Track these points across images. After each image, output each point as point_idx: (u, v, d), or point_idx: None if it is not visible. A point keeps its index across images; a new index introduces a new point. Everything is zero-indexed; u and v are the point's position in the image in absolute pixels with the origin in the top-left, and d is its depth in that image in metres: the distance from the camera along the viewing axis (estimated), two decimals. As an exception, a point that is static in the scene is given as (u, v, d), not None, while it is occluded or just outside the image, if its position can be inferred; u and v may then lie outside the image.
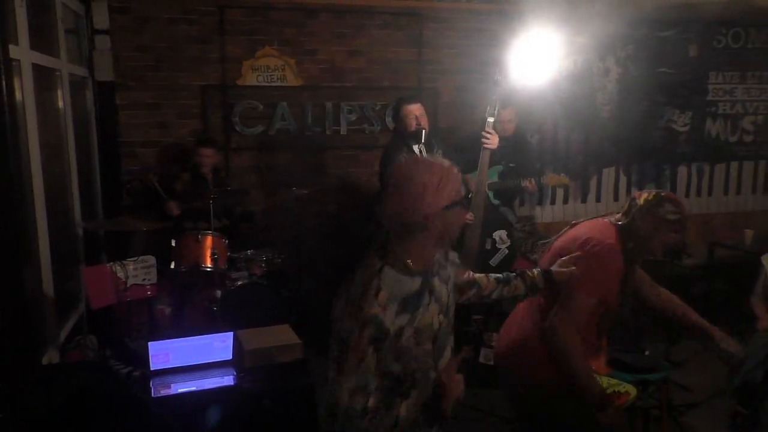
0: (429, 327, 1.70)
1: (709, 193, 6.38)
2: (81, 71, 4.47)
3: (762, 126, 6.40)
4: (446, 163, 1.71)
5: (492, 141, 3.83)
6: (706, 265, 5.51)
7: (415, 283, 1.68)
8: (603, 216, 2.49)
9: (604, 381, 3.32)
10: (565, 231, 2.53)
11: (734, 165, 6.41)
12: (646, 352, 3.24)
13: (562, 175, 4.38)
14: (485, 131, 3.83)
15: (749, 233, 5.35)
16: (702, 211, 6.33)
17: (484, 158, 3.84)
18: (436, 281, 1.77)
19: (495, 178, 4.17)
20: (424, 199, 1.62)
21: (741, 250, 5.35)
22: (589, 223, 2.45)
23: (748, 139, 6.39)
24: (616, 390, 3.13)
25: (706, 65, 6.10)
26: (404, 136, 3.99)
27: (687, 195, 6.29)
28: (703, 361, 4.21)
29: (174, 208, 4.41)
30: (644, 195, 2.38)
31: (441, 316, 1.77)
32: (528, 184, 4.08)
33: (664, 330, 3.99)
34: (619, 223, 2.37)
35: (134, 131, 4.86)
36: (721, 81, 6.19)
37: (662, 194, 2.37)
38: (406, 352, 1.65)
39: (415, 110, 3.96)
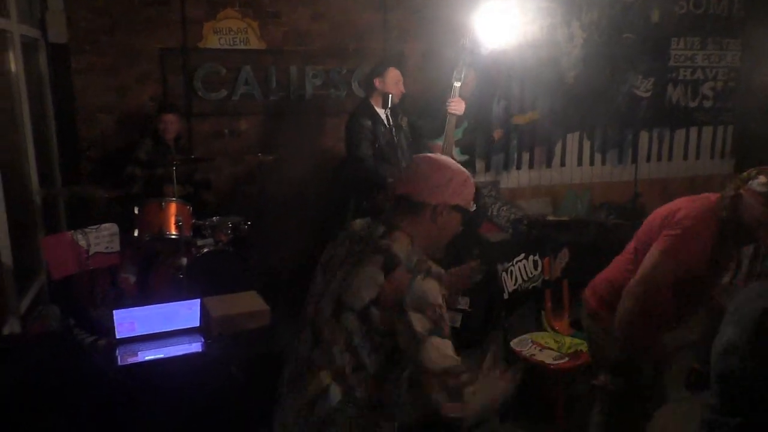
0: None
1: (669, 158, 6.52)
2: (33, 32, 4.28)
3: (721, 92, 6.53)
4: (469, 173, 1.74)
5: (458, 107, 3.83)
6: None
7: None
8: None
9: (567, 341, 3.42)
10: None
11: (694, 130, 6.55)
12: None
13: (530, 112, 4.42)
14: (450, 99, 3.82)
15: (707, 197, 5.50)
16: (662, 176, 6.48)
17: (450, 124, 3.84)
18: None
19: (460, 135, 4.23)
20: (446, 189, 1.64)
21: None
22: (691, 197, 2.34)
23: (708, 104, 6.52)
24: (579, 349, 3.23)
25: (668, 31, 6.17)
26: (382, 97, 3.91)
27: (648, 160, 6.41)
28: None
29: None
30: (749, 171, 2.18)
31: None
32: (496, 134, 4.24)
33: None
34: (723, 196, 2.20)
35: (91, 96, 4.70)
36: (682, 47, 6.27)
37: (761, 168, 2.15)
38: None
39: (399, 75, 3.98)
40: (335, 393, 1.55)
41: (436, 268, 1.57)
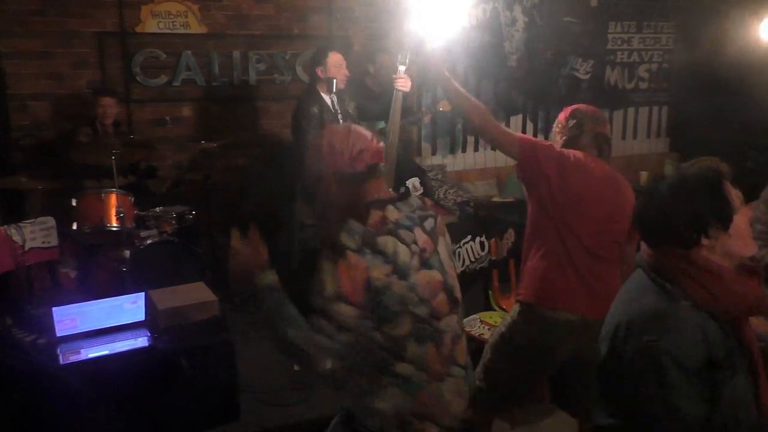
0: None
1: (609, 139, 6.72)
2: (-45, 16, 4.05)
3: (656, 74, 6.76)
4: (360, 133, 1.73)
5: (405, 84, 3.83)
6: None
7: None
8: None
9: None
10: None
11: (631, 111, 6.78)
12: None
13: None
14: (397, 76, 3.82)
15: (644, 175, 5.72)
16: (602, 155, 6.68)
17: (397, 102, 3.84)
18: None
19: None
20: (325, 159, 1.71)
21: (636, 190, 5.71)
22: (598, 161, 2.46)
23: (644, 86, 6.74)
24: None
25: (607, 15, 6.33)
26: (327, 83, 3.88)
27: (589, 140, 6.59)
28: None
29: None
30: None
31: None
32: (427, 118, 4.30)
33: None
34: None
35: (23, 82, 4.49)
36: (619, 30, 6.45)
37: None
38: None
39: (340, 60, 3.93)
40: None
41: None
